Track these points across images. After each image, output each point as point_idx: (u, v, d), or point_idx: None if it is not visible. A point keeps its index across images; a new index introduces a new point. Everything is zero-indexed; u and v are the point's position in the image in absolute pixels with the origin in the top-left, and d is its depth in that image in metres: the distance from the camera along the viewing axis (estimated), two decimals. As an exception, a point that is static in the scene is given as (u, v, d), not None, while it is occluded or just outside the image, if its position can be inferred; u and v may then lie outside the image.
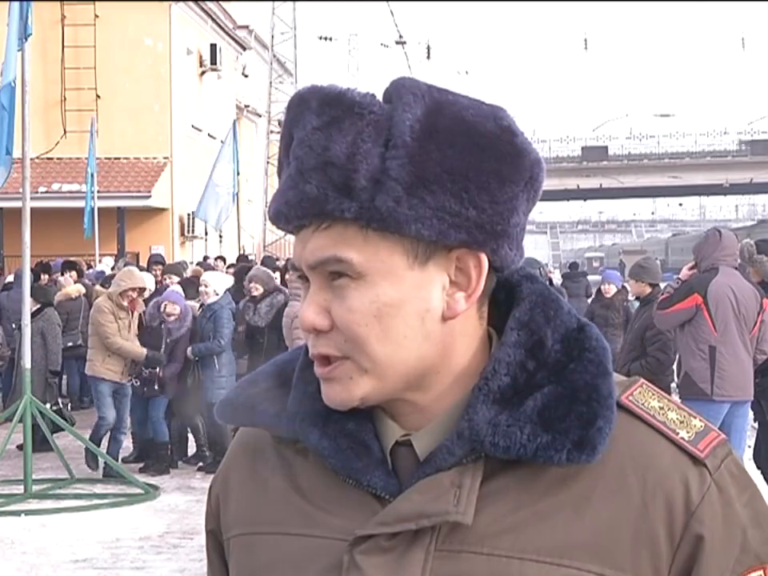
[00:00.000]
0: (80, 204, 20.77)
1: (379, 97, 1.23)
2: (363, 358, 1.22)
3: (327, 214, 1.20)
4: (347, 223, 1.21)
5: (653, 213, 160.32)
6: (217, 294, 11.43)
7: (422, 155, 1.20)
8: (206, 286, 11.47)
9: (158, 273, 15.43)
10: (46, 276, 16.42)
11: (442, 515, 1.20)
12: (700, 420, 1.28)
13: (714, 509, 1.23)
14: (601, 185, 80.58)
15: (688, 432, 1.26)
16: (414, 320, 1.22)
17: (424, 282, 1.22)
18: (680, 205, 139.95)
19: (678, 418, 1.27)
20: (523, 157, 1.23)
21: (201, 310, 11.65)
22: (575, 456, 1.20)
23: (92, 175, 20.89)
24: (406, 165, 1.19)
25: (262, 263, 19.23)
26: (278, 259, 25.16)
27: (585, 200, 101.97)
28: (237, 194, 23.97)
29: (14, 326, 13.85)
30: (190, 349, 11.38)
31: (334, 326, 1.23)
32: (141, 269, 14.96)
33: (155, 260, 17.41)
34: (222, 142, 27.80)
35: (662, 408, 1.28)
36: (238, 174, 26.13)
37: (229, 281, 12.20)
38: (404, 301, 1.22)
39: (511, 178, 1.22)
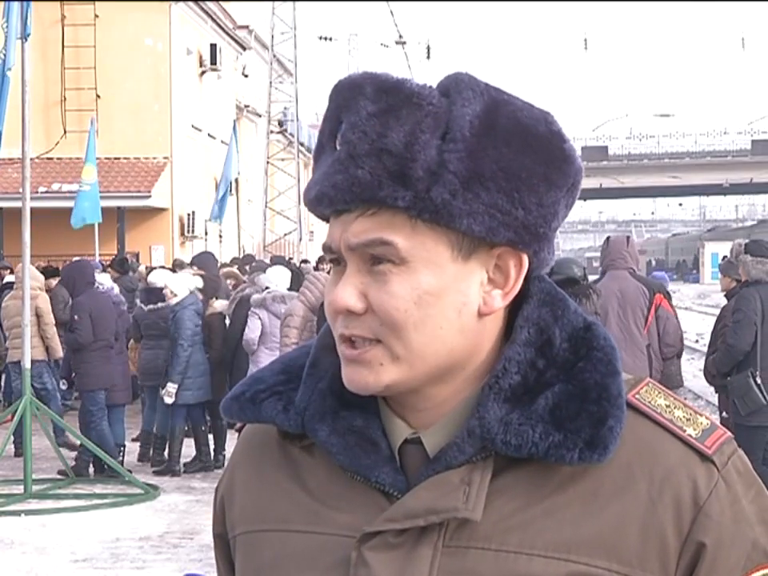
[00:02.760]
0: (80, 204, 20.73)
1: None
2: (397, 343, 1.22)
3: (379, 200, 1.20)
4: (396, 211, 1.21)
5: (653, 213, 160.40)
6: (175, 295, 11.35)
7: (479, 151, 1.20)
8: (166, 287, 11.46)
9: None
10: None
11: (450, 511, 1.20)
12: (706, 418, 1.29)
13: (722, 504, 1.23)
14: (601, 185, 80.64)
15: (695, 429, 1.26)
16: (451, 312, 1.22)
17: (464, 275, 1.23)
18: (680, 205, 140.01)
19: (684, 416, 1.27)
20: (570, 163, 1.26)
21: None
22: (587, 455, 1.20)
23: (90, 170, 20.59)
24: (465, 159, 1.20)
25: (272, 262, 19.17)
26: (290, 259, 25.25)
27: (585, 200, 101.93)
28: (229, 190, 24.24)
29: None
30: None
31: (369, 309, 1.22)
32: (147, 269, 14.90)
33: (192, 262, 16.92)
34: (222, 142, 27.85)
35: (668, 406, 1.28)
36: (238, 173, 26.20)
37: (194, 281, 11.89)
38: (444, 291, 1.22)
39: (557, 182, 1.24)
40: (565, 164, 1.25)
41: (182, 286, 11.49)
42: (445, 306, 1.22)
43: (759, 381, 7.98)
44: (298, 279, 12.31)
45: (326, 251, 1.26)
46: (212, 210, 25.53)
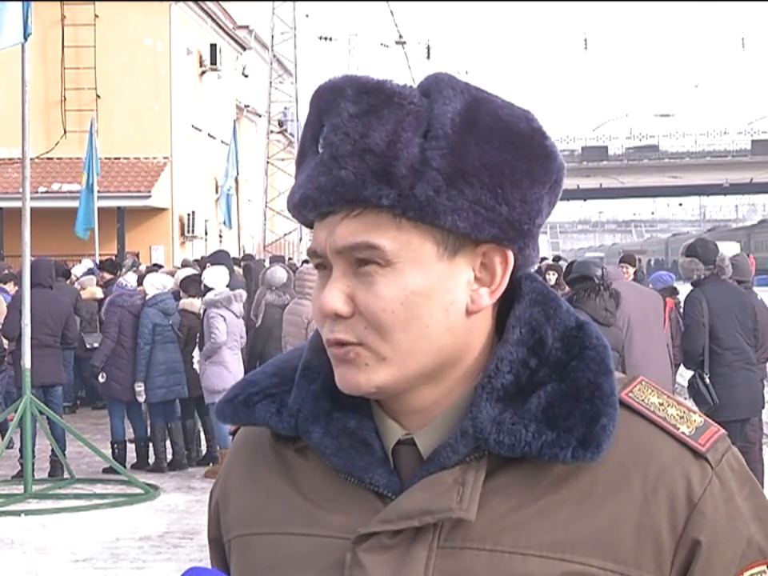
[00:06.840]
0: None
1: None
2: (383, 345, 1.22)
3: (364, 200, 1.20)
4: (380, 211, 1.21)
5: (653, 213, 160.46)
6: (147, 294, 11.47)
7: (461, 148, 1.21)
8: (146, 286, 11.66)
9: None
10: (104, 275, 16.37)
11: (445, 512, 1.20)
12: (700, 415, 1.28)
13: (716, 502, 1.23)
14: (601, 185, 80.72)
15: (688, 427, 1.26)
16: (438, 311, 1.22)
17: (451, 274, 1.23)
18: (680, 205, 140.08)
19: (677, 414, 1.27)
20: (552, 160, 1.26)
21: None
22: (580, 453, 1.20)
23: (89, 174, 20.79)
24: (447, 156, 1.20)
25: (272, 262, 19.19)
26: (290, 259, 25.26)
27: (585, 200, 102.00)
28: (230, 192, 24.33)
29: None
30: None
31: (355, 312, 1.22)
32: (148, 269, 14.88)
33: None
34: (222, 142, 27.84)
35: (661, 404, 1.28)
36: (238, 173, 26.21)
37: (163, 281, 11.85)
38: (431, 291, 1.22)
39: (540, 179, 1.24)
40: (547, 160, 1.25)
41: (150, 285, 11.60)
42: (432, 305, 1.22)
43: (708, 381, 8.08)
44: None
45: (311, 256, 1.26)
46: (225, 217, 26.01)
